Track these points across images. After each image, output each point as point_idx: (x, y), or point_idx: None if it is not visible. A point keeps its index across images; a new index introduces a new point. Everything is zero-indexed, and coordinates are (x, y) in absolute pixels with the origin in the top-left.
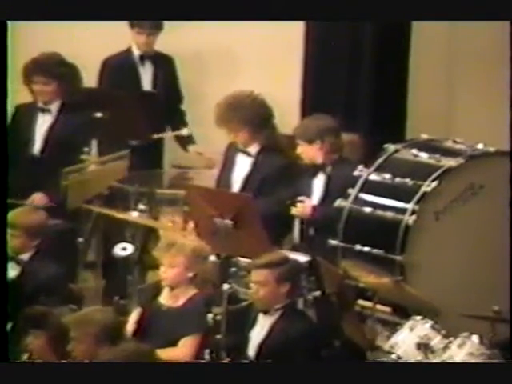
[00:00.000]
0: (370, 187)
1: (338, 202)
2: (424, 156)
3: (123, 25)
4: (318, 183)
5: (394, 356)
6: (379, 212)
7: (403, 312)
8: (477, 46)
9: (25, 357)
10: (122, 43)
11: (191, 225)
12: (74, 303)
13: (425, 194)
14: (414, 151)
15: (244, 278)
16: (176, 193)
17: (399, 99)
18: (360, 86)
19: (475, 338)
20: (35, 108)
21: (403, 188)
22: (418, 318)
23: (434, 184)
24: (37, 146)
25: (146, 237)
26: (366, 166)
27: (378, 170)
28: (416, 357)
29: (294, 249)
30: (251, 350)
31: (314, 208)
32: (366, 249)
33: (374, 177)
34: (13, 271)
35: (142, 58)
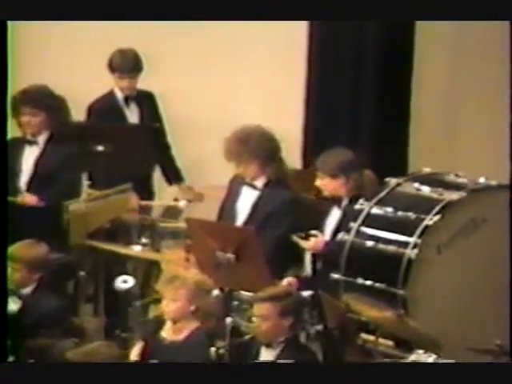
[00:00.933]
0: (372, 221)
1: (340, 236)
2: (426, 190)
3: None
4: (332, 218)
5: None
6: (381, 246)
7: (406, 346)
8: (482, 69)
9: None
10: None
11: (193, 258)
12: (76, 337)
13: (427, 227)
14: (416, 185)
15: (246, 311)
16: (178, 226)
17: (401, 133)
18: (362, 121)
19: None
20: (23, 141)
21: (405, 221)
22: (421, 351)
23: (437, 218)
24: (23, 179)
25: (148, 270)
26: (367, 199)
27: (380, 203)
28: None
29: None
30: None
31: (327, 243)
32: (368, 282)
33: (376, 210)
34: (14, 305)
35: (127, 99)
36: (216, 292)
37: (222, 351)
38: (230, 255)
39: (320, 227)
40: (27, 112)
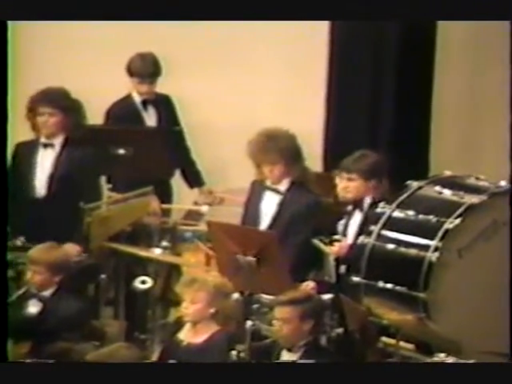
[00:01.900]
0: (393, 224)
1: (361, 239)
2: (447, 193)
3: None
4: (354, 220)
5: None
6: (402, 249)
7: (426, 349)
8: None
9: None
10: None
11: (213, 261)
12: (97, 340)
13: (448, 230)
14: (437, 188)
15: (267, 314)
16: (198, 229)
17: (422, 135)
18: (382, 123)
19: None
20: (37, 144)
21: (426, 225)
22: (442, 355)
23: (458, 221)
24: (39, 183)
25: (169, 273)
26: (389, 202)
27: (401, 206)
28: None
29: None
30: None
31: (351, 247)
32: (389, 286)
33: (397, 213)
34: (34, 308)
35: (145, 103)
36: (236, 295)
37: (242, 354)
38: (251, 258)
39: (342, 230)
40: (44, 112)
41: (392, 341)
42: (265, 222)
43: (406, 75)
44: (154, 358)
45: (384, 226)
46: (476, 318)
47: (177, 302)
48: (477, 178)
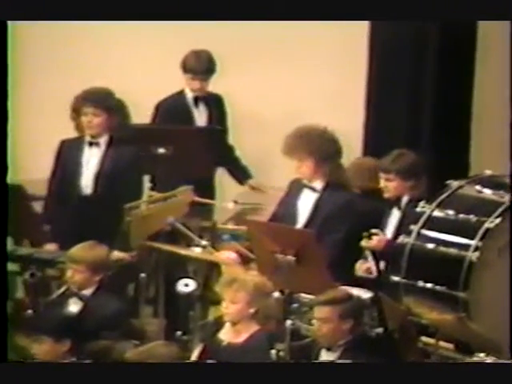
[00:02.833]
0: (433, 223)
1: (401, 239)
2: (487, 192)
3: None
4: (392, 219)
5: None
6: (442, 248)
7: (466, 349)
8: None
9: None
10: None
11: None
12: (137, 339)
13: (488, 230)
14: (478, 187)
15: (306, 314)
16: (238, 228)
17: (462, 134)
18: (422, 122)
19: None
20: (82, 142)
21: (467, 224)
22: (482, 354)
23: (498, 220)
24: (86, 182)
25: (208, 272)
26: (429, 201)
27: (441, 206)
28: None
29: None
30: None
31: (389, 241)
32: (429, 285)
33: (437, 213)
34: (75, 306)
35: (196, 99)
36: (276, 294)
37: (282, 354)
38: (290, 257)
39: (380, 228)
40: (89, 112)
41: (431, 340)
42: (301, 220)
43: (446, 74)
44: (194, 356)
45: (424, 226)
46: None
47: (217, 302)
48: None
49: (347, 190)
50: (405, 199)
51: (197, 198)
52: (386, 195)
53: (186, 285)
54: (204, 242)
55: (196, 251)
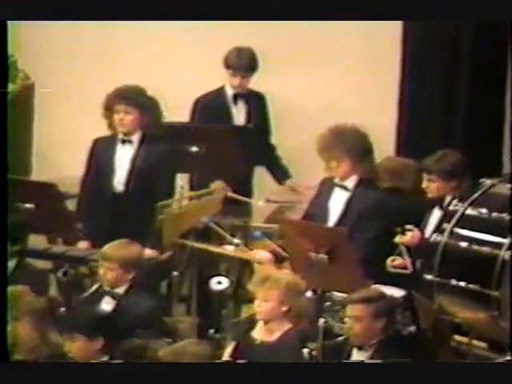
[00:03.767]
0: (465, 222)
1: (434, 237)
2: None
3: (218, 65)
4: (433, 219)
5: None
6: (475, 247)
7: (499, 347)
8: None
9: None
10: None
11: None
12: (169, 337)
13: None
14: (511, 186)
15: (339, 312)
16: (270, 226)
17: (495, 133)
18: (455, 120)
19: None
20: (115, 140)
21: (500, 223)
22: None
23: None
24: (119, 180)
25: (241, 270)
26: (461, 200)
27: (474, 204)
28: None
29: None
30: None
31: (422, 238)
32: (462, 284)
33: (470, 211)
34: (108, 305)
35: (236, 96)
36: (308, 293)
37: (314, 353)
38: (323, 256)
39: (420, 227)
40: (121, 109)
41: (465, 339)
42: (333, 219)
43: (479, 74)
44: (226, 355)
45: (457, 224)
46: None
47: (249, 300)
48: None
49: (379, 188)
50: (447, 199)
51: (231, 194)
52: (429, 195)
53: (219, 283)
54: (237, 240)
55: (229, 249)
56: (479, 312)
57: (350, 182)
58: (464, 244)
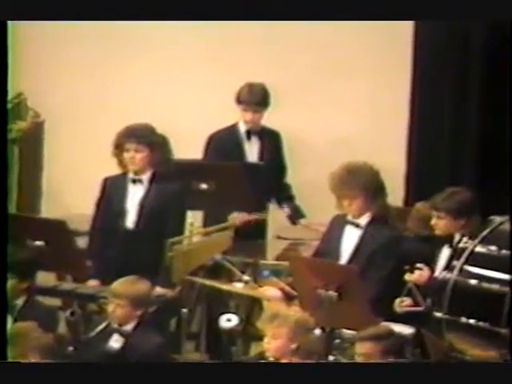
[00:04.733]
0: (475, 259)
1: (444, 274)
2: None
3: (231, 101)
4: (442, 256)
5: None
6: (485, 284)
7: None
8: None
9: None
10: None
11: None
12: None
13: None
14: None
15: (348, 349)
16: (280, 263)
17: (505, 170)
18: (465, 157)
19: None
20: (125, 179)
21: (509, 260)
22: None
23: None
24: (130, 218)
25: (250, 308)
26: (471, 237)
27: (484, 241)
28: None
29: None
30: None
31: (431, 276)
32: (472, 321)
33: (479, 249)
34: (116, 342)
35: (249, 133)
36: (318, 330)
37: None
38: (333, 293)
39: (430, 265)
40: (131, 148)
41: None
42: (345, 257)
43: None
44: None
45: (466, 262)
46: None
47: (259, 337)
48: None
49: (392, 226)
50: (457, 237)
51: (252, 216)
52: (437, 233)
53: (229, 320)
54: (246, 278)
55: (238, 286)
56: (489, 350)
57: (363, 220)
58: (473, 281)
